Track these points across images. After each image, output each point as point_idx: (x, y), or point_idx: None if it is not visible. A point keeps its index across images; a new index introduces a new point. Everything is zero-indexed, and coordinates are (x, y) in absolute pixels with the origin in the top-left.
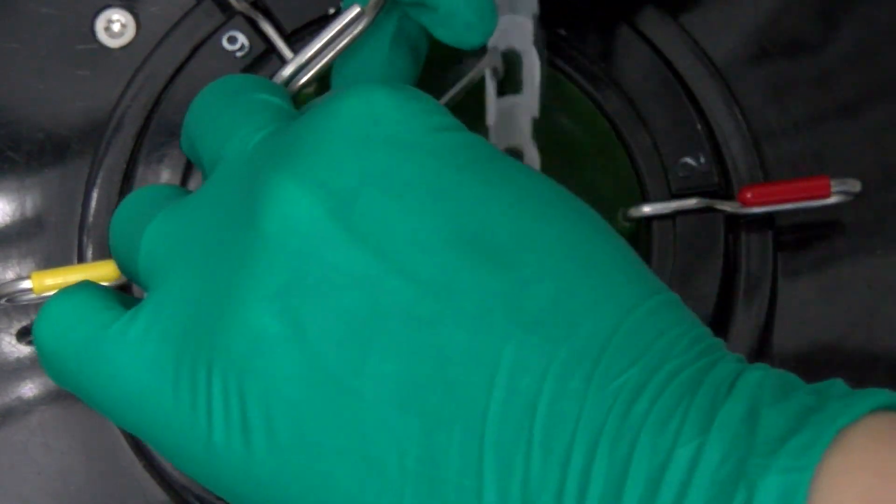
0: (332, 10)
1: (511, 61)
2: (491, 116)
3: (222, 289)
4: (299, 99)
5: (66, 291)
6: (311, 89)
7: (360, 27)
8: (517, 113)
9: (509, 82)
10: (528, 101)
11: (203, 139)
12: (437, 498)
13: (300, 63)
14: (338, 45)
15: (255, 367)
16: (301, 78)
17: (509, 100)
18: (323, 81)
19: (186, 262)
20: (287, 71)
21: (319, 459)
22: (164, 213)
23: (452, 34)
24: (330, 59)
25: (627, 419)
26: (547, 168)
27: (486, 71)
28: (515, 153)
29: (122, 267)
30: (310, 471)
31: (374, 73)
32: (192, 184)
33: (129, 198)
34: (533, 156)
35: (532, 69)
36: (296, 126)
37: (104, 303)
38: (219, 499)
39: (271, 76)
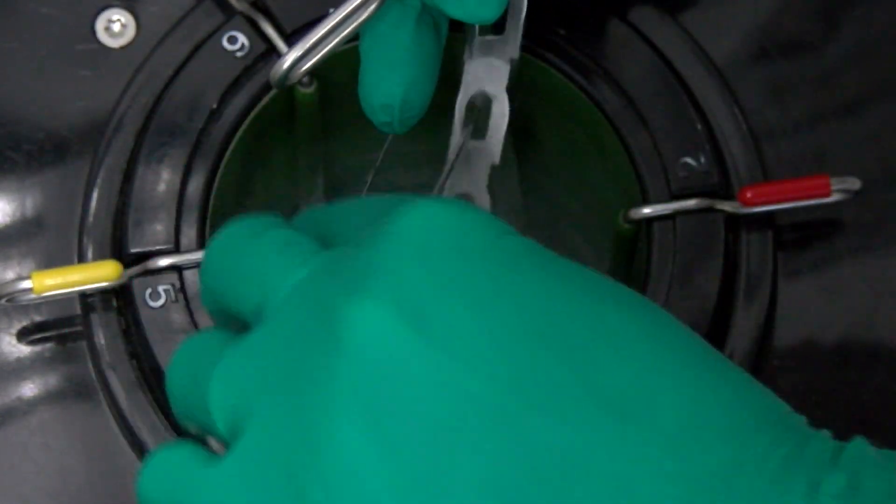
0: (332, 10)
1: (480, 106)
2: (452, 151)
3: (309, 421)
4: (297, 97)
5: (167, 447)
6: (311, 89)
7: (365, 14)
8: (476, 159)
9: (481, 127)
10: (490, 148)
11: (235, 289)
12: None
13: (304, 49)
14: (342, 31)
15: (351, 495)
16: (304, 64)
17: (470, 144)
18: (323, 82)
19: (266, 403)
20: (290, 57)
21: None
22: (227, 361)
23: (464, 10)
24: (334, 45)
25: (731, 493)
26: (547, 168)
27: (456, 112)
28: (467, 198)
29: (194, 421)
30: None
31: (403, 54)
32: (192, 185)
33: (180, 354)
34: (484, 203)
35: (500, 116)
36: (359, 250)
37: (201, 455)
38: None
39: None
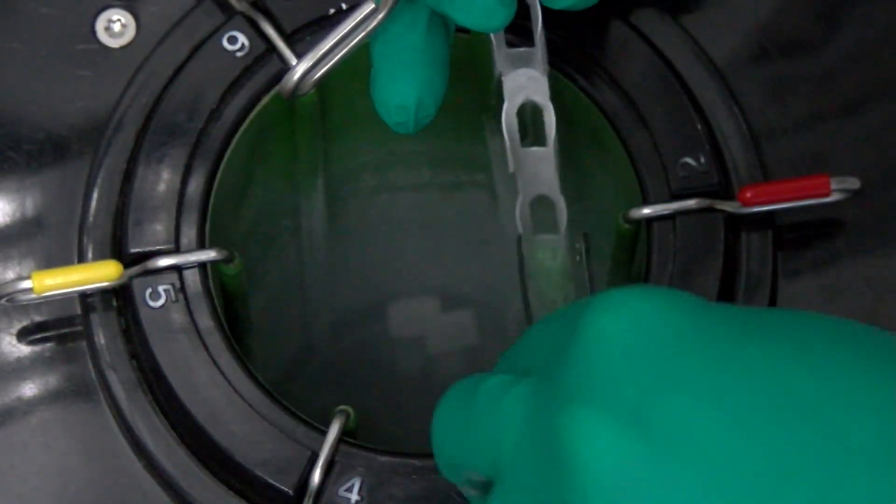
0: (332, 11)
1: (532, 113)
2: (511, 164)
3: None
4: (301, 106)
5: None
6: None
7: (373, 23)
8: (541, 164)
9: (532, 134)
10: (551, 155)
11: (468, 452)
12: None
13: (314, 59)
14: (351, 41)
15: None
16: (314, 75)
17: (532, 152)
18: (325, 86)
19: None
20: (301, 68)
21: None
22: None
23: (472, 19)
24: (344, 55)
25: None
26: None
27: (504, 121)
28: (546, 202)
29: None
30: None
31: (417, 55)
32: (192, 185)
33: None
34: (561, 205)
35: (550, 126)
36: (560, 372)
37: None
38: (219, 499)
39: (279, 73)
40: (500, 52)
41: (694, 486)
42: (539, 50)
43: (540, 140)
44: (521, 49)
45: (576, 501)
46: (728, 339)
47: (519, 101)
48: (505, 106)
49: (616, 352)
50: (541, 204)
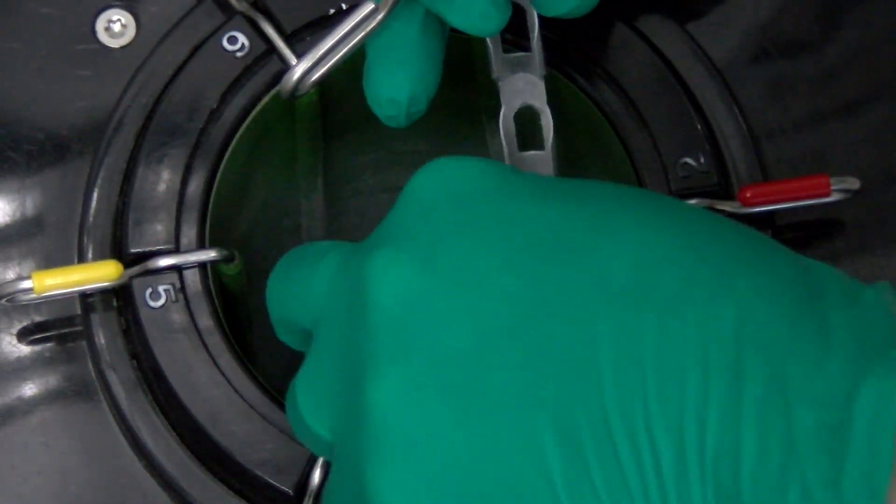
0: (332, 11)
1: (531, 117)
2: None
3: (354, 381)
4: (301, 106)
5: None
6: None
7: (373, 24)
8: (539, 169)
9: (531, 138)
10: (549, 159)
11: (292, 304)
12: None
13: (313, 60)
14: (350, 41)
15: (392, 443)
16: (314, 75)
17: (529, 156)
18: (322, 82)
19: (331, 386)
20: (300, 69)
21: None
22: (301, 379)
23: (468, 22)
24: (343, 55)
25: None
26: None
27: (502, 126)
28: None
29: (307, 441)
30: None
31: (411, 49)
32: (192, 185)
33: (287, 398)
34: None
35: (548, 129)
36: (380, 225)
37: None
38: (219, 499)
39: (279, 74)
40: (497, 57)
41: (465, 311)
42: (536, 55)
43: (538, 144)
44: (519, 54)
45: (367, 330)
46: (520, 196)
47: (516, 105)
48: (502, 110)
49: (416, 205)
50: None
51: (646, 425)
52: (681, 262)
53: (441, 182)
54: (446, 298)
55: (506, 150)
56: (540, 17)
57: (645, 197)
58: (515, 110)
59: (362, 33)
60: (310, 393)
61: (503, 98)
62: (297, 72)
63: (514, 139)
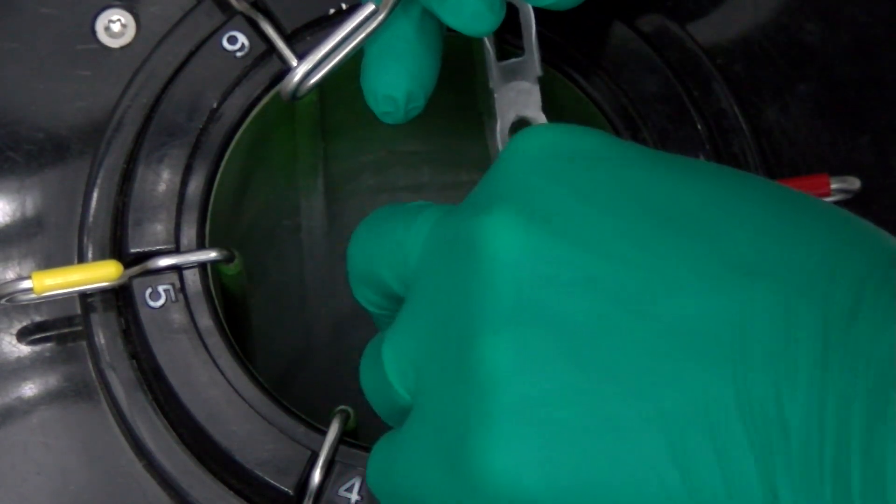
0: (332, 11)
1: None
2: None
3: (459, 340)
4: (301, 106)
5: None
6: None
7: (373, 25)
8: None
9: None
10: None
11: (380, 257)
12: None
13: (314, 62)
14: (351, 43)
15: (500, 409)
16: (314, 76)
17: None
18: (325, 86)
19: (430, 363)
20: (300, 71)
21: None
22: (391, 339)
23: (461, 21)
24: (343, 57)
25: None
26: None
27: (499, 142)
28: None
29: (388, 404)
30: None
31: (408, 46)
32: (192, 185)
33: (366, 352)
34: None
35: None
36: (481, 183)
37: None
38: (219, 499)
39: (279, 74)
40: (492, 66)
41: (587, 277)
42: (533, 54)
43: None
44: (514, 60)
45: (481, 289)
46: (632, 163)
47: (510, 118)
48: (497, 125)
49: (527, 163)
50: None
51: (777, 407)
52: (796, 240)
53: (550, 142)
54: (567, 263)
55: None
56: (537, 15)
57: (747, 176)
58: (510, 124)
59: (363, 35)
60: (399, 352)
61: (498, 112)
62: (298, 74)
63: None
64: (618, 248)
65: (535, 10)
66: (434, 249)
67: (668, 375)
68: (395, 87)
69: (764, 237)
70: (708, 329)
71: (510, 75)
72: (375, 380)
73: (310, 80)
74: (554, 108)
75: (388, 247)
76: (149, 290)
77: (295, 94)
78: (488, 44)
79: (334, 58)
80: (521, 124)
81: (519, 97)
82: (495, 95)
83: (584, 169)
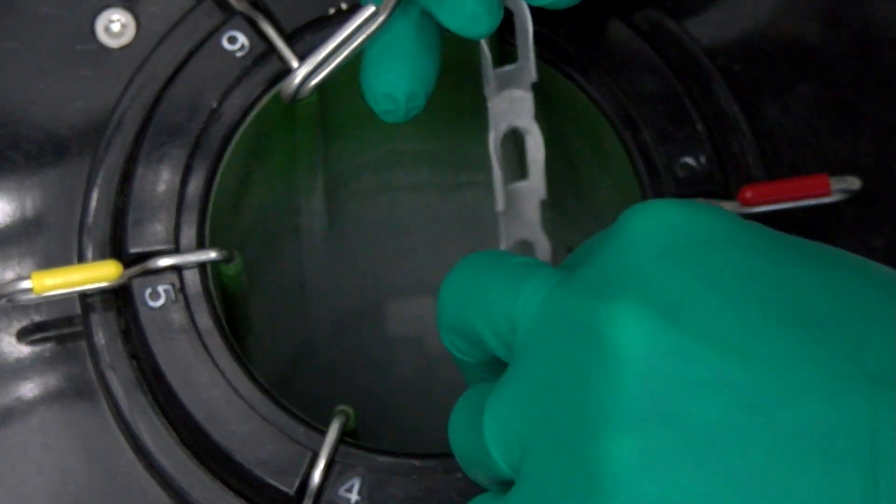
0: (332, 11)
1: (514, 142)
2: (500, 203)
3: (582, 443)
4: (301, 106)
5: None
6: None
7: (373, 26)
8: (525, 201)
9: (513, 166)
10: (535, 185)
11: (479, 313)
12: None
13: (314, 64)
14: (351, 44)
15: (608, 497)
16: (315, 78)
17: (515, 187)
18: (325, 87)
19: (539, 436)
20: (301, 73)
21: None
22: (494, 405)
23: (459, 23)
24: (344, 58)
25: None
26: (548, 170)
27: (493, 154)
28: (525, 245)
29: (481, 468)
30: None
31: (408, 44)
32: (192, 185)
33: (455, 412)
34: (544, 246)
35: (536, 149)
36: (595, 258)
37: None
38: (219, 499)
39: (279, 74)
40: (489, 73)
41: (715, 378)
42: (525, 62)
43: (522, 173)
44: (509, 67)
45: (607, 384)
46: (756, 248)
47: (503, 129)
48: (491, 136)
49: (649, 247)
50: (525, 249)
51: None
52: None
53: (672, 224)
54: (695, 361)
55: (496, 179)
56: (536, 15)
57: (874, 267)
58: (502, 134)
59: (363, 36)
60: (503, 424)
61: (491, 122)
62: (298, 76)
63: (500, 169)
64: (748, 346)
65: (533, 10)
66: (549, 328)
67: (794, 484)
68: (396, 85)
69: (893, 343)
70: (836, 438)
71: (505, 83)
72: (471, 442)
73: (310, 82)
74: (554, 109)
75: (491, 308)
76: (149, 291)
77: (295, 97)
78: (486, 48)
79: (335, 59)
80: (513, 134)
81: (512, 106)
82: (489, 105)
83: (709, 257)
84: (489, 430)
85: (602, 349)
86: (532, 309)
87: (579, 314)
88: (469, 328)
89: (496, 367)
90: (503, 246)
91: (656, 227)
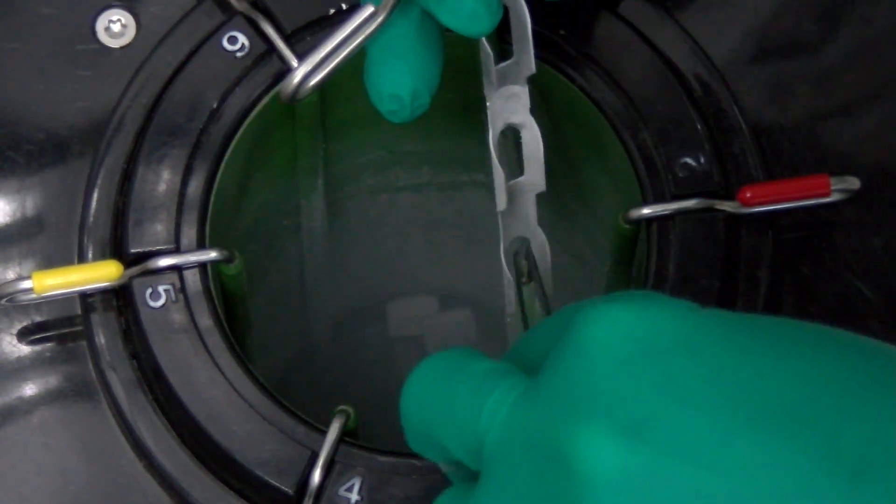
0: (332, 11)
1: (514, 141)
2: (500, 202)
3: None
4: (301, 106)
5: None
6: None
7: (373, 26)
8: (521, 194)
9: (513, 165)
10: (534, 179)
11: (444, 426)
12: None
13: (313, 64)
14: (350, 44)
15: None
16: (314, 78)
17: (514, 182)
18: (325, 86)
19: None
20: (300, 73)
21: None
22: None
23: (458, 22)
24: (343, 58)
25: None
26: (548, 170)
27: (493, 152)
28: (523, 241)
29: None
30: None
31: (410, 44)
32: (192, 185)
33: None
34: (541, 241)
35: (534, 142)
36: (556, 372)
37: None
38: (219, 499)
39: (279, 74)
40: (490, 71)
41: (688, 492)
42: (522, 56)
43: (519, 169)
44: (507, 63)
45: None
46: (719, 347)
47: (500, 126)
48: (489, 134)
49: (611, 364)
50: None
51: None
52: None
53: (628, 332)
54: (668, 478)
55: (497, 178)
56: (535, 14)
57: (847, 341)
58: (499, 132)
59: (362, 36)
60: None
61: (490, 121)
62: (298, 76)
63: (500, 169)
64: (720, 456)
65: (533, 9)
66: (516, 447)
67: None
68: (400, 85)
69: (870, 430)
70: None
71: (502, 80)
72: None
73: (309, 82)
74: (554, 109)
75: (452, 419)
76: (149, 290)
77: (294, 97)
78: (487, 47)
79: (334, 59)
80: (510, 130)
81: (508, 103)
82: (487, 104)
83: (670, 365)
84: None
85: (573, 474)
86: (496, 425)
87: (545, 436)
88: (435, 439)
89: (468, 469)
90: (503, 244)
91: (613, 336)
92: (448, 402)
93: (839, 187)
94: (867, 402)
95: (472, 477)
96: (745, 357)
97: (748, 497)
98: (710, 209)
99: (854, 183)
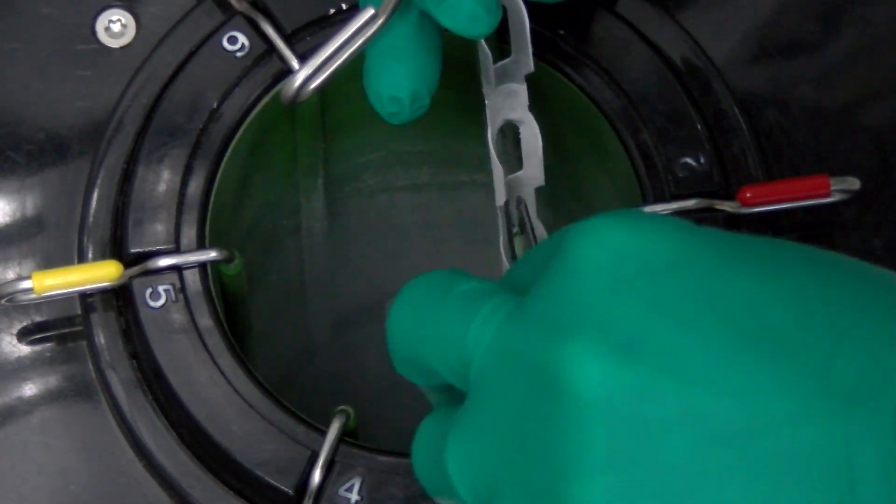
0: (332, 11)
1: (513, 138)
2: (500, 197)
3: (552, 486)
4: (301, 106)
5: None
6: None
7: (373, 28)
8: (520, 189)
9: (513, 162)
10: (531, 172)
11: (431, 348)
12: None
13: (314, 67)
14: (351, 47)
15: None
16: (315, 81)
17: (513, 177)
18: (325, 87)
19: (505, 478)
20: (301, 76)
21: None
22: (454, 442)
23: (457, 23)
24: (344, 61)
25: None
26: (547, 170)
27: (491, 148)
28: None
29: (449, 497)
30: None
31: (409, 45)
32: (192, 185)
33: (415, 442)
34: (541, 234)
35: (532, 138)
36: (546, 290)
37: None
38: (219, 499)
39: (279, 74)
40: (489, 72)
41: (681, 413)
42: (520, 55)
43: (518, 164)
44: (505, 62)
45: (568, 428)
46: (713, 267)
47: (498, 123)
48: (488, 132)
49: (603, 282)
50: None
51: None
52: None
53: (620, 249)
54: (659, 397)
55: (495, 174)
56: (533, 13)
57: (841, 261)
58: (498, 130)
59: (363, 39)
60: (466, 462)
61: (488, 119)
62: (298, 79)
63: (504, 162)
64: (712, 377)
65: (531, 9)
66: (504, 367)
67: None
68: (399, 87)
69: (865, 353)
70: (812, 464)
71: (500, 78)
72: (436, 475)
73: (310, 85)
74: (553, 109)
75: (439, 340)
76: (149, 290)
77: (295, 100)
78: (486, 48)
79: (334, 62)
80: (508, 127)
81: (507, 100)
82: (487, 102)
83: (664, 284)
84: (454, 470)
85: (562, 392)
86: (483, 345)
87: (533, 354)
88: (422, 361)
89: (455, 391)
90: (502, 239)
91: (605, 254)
92: (434, 324)
93: (839, 187)
94: (863, 323)
95: (459, 402)
96: (740, 278)
97: (740, 418)
98: (710, 209)
99: (854, 183)
